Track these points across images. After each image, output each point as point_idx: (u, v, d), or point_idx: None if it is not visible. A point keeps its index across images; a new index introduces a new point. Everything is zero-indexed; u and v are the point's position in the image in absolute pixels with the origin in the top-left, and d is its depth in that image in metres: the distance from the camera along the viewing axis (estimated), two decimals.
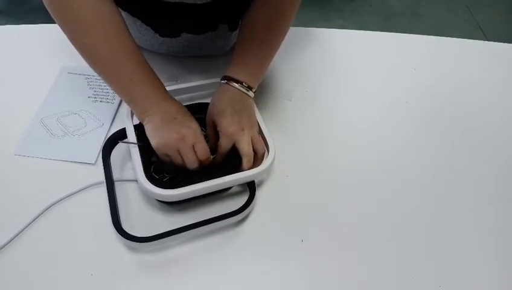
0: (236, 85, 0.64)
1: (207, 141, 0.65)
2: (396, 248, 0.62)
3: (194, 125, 0.60)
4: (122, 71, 0.60)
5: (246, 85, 0.65)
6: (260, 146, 0.63)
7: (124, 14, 0.72)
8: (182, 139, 0.58)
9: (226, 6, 0.71)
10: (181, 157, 0.59)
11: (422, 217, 0.65)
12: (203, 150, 0.59)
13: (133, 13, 0.72)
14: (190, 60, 0.82)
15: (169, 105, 0.61)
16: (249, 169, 0.61)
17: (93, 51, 0.59)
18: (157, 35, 0.75)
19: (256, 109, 0.68)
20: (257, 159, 0.63)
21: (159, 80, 0.63)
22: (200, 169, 0.61)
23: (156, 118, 0.60)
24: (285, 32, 0.69)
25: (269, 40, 0.68)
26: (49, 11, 0.58)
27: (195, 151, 0.59)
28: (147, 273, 0.57)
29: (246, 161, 0.61)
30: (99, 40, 0.58)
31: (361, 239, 0.62)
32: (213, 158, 0.64)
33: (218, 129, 0.63)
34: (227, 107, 0.63)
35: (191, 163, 0.59)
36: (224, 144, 0.62)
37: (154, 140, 0.59)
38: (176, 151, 0.58)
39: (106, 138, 0.67)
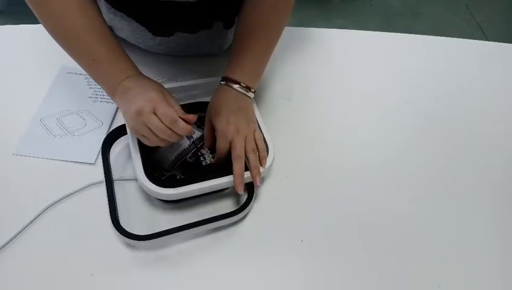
0: (235, 86, 0.64)
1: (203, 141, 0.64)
2: (396, 247, 0.62)
3: (152, 94, 0.54)
4: (86, 49, 0.57)
5: (244, 85, 0.65)
6: (260, 145, 0.63)
7: (119, 15, 0.72)
8: (141, 113, 0.53)
9: (219, 3, 0.71)
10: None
11: (422, 217, 0.65)
12: (165, 114, 0.53)
13: (128, 13, 0.72)
14: (189, 60, 0.82)
15: (130, 81, 0.57)
16: (240, 172, 0.59)
17: (56, 27, 0.57)
18: (151, 34, 0.75)
19: (256, 108, 0.68)
20: (261, 159, 0.62)
21: (127, 58, 0.59)
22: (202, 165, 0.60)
23: (121, 101, 0.57)
24: (281, 30, 0.69)
25: (265, 38, 0.68)
26: None
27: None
28: (147, 273, 0.57)
29: (236, 164, 0.59)
30: (62, 16, 0.56)
31: (361, 239, 0.62)
32: (212, 158, 0.64)
33: (216, 131, 0.62)
34: (223, 108, 0.63)
35: (159, 130, 0.53)
36: (222, 146, 0.61)
37: (127, 125, 0.58)
38: (144, 128, 0.54)
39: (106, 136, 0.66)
